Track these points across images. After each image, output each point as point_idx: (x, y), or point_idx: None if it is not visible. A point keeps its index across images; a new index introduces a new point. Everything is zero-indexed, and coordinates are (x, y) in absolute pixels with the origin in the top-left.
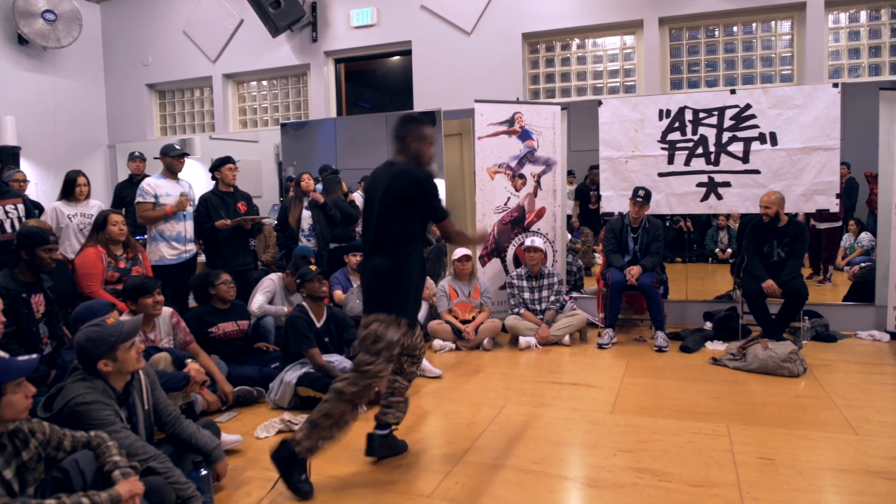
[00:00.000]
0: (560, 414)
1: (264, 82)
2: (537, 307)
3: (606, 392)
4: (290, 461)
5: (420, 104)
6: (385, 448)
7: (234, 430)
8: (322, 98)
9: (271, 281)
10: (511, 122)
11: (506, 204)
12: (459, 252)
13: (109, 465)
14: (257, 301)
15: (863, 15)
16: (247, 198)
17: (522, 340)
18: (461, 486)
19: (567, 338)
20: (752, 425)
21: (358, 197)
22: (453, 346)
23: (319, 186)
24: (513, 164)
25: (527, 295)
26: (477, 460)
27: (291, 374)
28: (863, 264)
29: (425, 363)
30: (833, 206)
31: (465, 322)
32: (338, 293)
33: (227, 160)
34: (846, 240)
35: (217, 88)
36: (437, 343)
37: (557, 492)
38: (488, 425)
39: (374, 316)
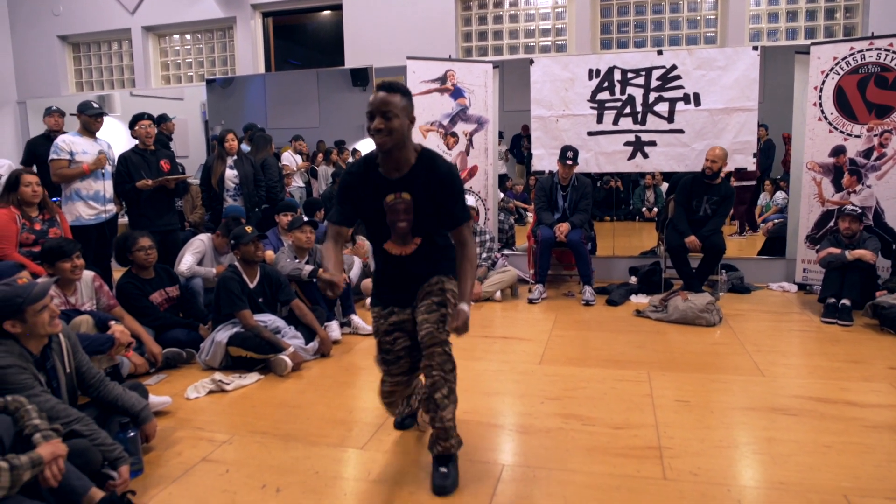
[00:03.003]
0: (491, 366)
1: (188, 36)
2: None
3: (535, 344)
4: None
5: (351, 61)
6: None
7: (163, 392)
8: (249, 53)
9: (201, 241)
10: (443, 79)
11: None
12: None
13: (29, 428)
14: (186, 262)
15: None
16: (170, 156)
17: None
18: (393, 439)
19: (498, 294)
20: (671, 371)
21: (288, 156)
22: None
23: (245, 147)
24: (445, 122)
25: None
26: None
27: (222, 334)
28: (776, 221)
29: (358, 320)
30: (750, 164)
31: None
32: (269, 253)
33: (141, 116)
34: (763, 198)
35: (136, 41)
36: (370, 301)
37: (488, 438)
38: None
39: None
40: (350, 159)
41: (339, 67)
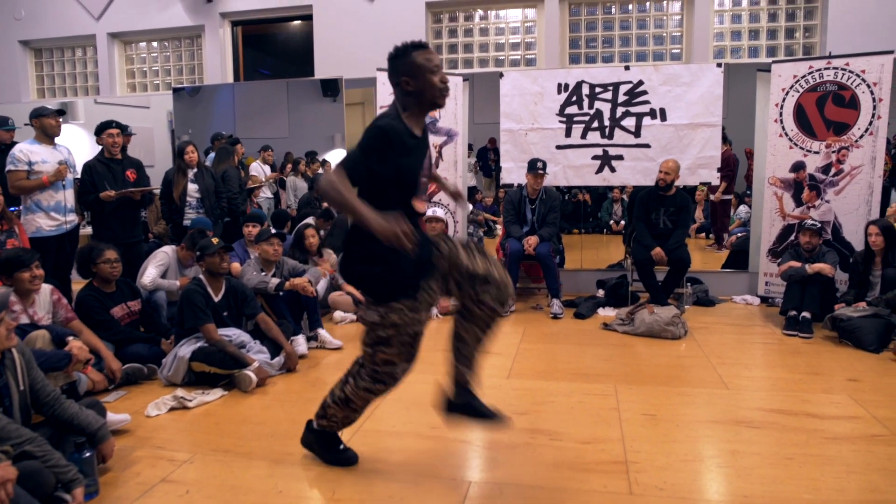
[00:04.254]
0: None
1: (154, 44)
2: None
3: (504, 358)
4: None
5: (321, 71)
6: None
7: (122, 410)
8: (218, 62)
9: (165, 254)
10: None
11: None
12: None
13: None
14: (149, 274)
15: None
16: (137, 165)
17: None
18: (359, 455)
19: None
20: (638, 385)
21: (257, 166)
22: (354, 317)
23: (212, 155)
24: None
25: None
26: (375, 428)
27: (185, 349)
28: (739, 234)
29: (325, 334)
30: (714, 178)
31: None
32: (235, 266)
33: (108, 125)
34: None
35: (102, 48)
36: (337, 315)
37: (455, 454)
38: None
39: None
40: (320, 170)
41: (308, 78)
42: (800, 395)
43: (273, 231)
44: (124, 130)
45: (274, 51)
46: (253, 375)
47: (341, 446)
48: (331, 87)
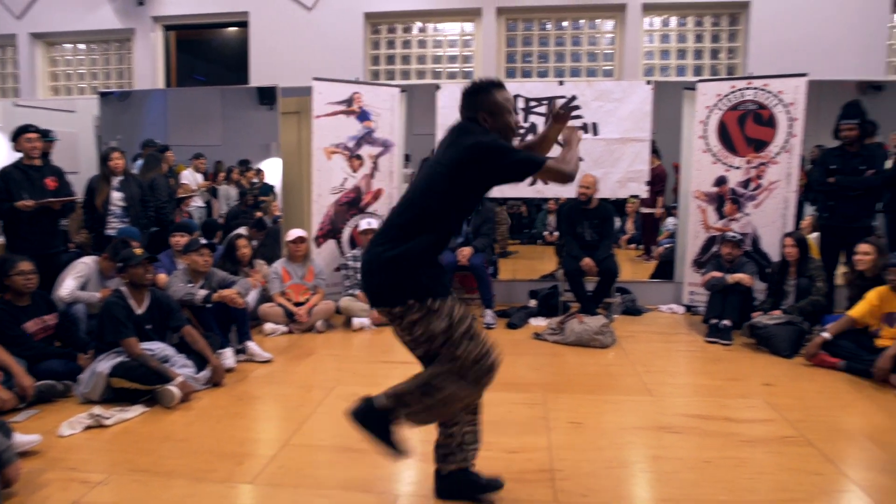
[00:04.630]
0: None
1: (81, 46)
2: None
3: None
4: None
5: (257, 79)
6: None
7: (33, 430)
8: (149, 67)
9: (84, 264)
10: (350, 101)
11: (342, 185)
12: (294, 233)
13: None
14: (67, 286)
15: (673, 20)
16: (57, 173)
17: (356, 321)
18: (285, 470)
19: None
20: (566, 393)
21: (189, 174)
22: (286, 329)
23: (140, 162)
24: (350, 144)
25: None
26: (303, 443)
27: (104, 364)
28: (666, 245)
29: (255, 347)
30: (643, 192)
31: (298, 304)
32: (161, 276)
33: (26, 129)
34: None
35: (23, 49)
36: (268, 326)
37: (381, 467)
38: (317, 407)
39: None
40: (255, 179)
41: (244, 86)
42: (719, 401)
43: (203, 241)
44: (45, 136)
45: (209, 57)
46: (176, 390)
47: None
48: (267, 96)
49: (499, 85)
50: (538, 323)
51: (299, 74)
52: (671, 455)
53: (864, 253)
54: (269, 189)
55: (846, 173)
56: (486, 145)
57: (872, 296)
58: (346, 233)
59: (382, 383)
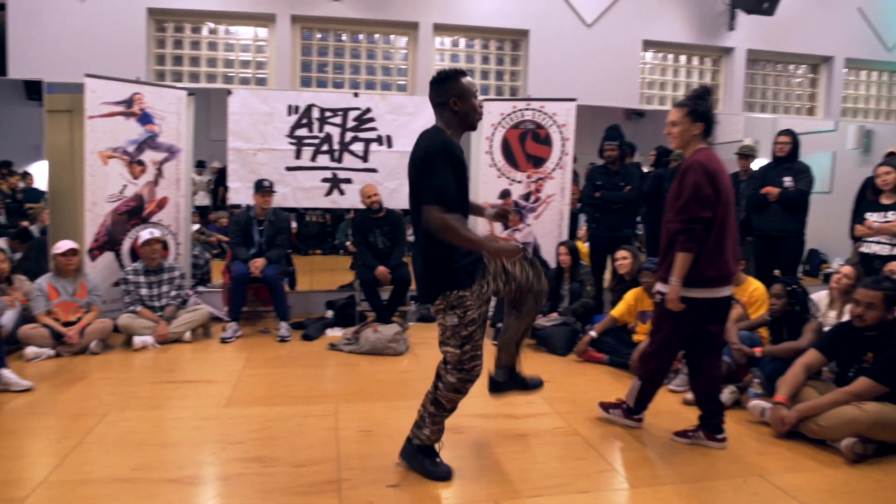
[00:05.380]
0: (170, 414)
1: None
2: (156, 304)
3: (223, 386)
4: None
5: (16, 71)
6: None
7: None
8: None
9: None
10: (129, 102)
11: (121, 192)
12: (63, 245)
13: None
14: None
15: (462, 41)
16: None
17: (137, 340)
18: None
19: (189, 334)
20: (358, 402)
21: None
22: (52, 352)
23: None
24: (130, 148)
25: (144, 291)
26: (64, 478)
27: None
28: None
29: (10, 375)
30: None
31: (68, 324)
32: None
33: None
34: None
35: None
36: (30, 350)
37: (156, 496)
38: (84, 437)
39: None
40: (21, 184)
41: (3, 77)
42: (502, 400)
43: None
44: None
45: None
46: None
47: (437, 459)
48: (37, 90)
49: (463, 73)
50: (334, 333)
51: (69, 69)
52: (453, 455)
53: (623, 258)
54: (39, 195)
55: (609, 189)
56: (431, 155)
57: (629, 296)
58: (126, 244)
59: (161, 405)
